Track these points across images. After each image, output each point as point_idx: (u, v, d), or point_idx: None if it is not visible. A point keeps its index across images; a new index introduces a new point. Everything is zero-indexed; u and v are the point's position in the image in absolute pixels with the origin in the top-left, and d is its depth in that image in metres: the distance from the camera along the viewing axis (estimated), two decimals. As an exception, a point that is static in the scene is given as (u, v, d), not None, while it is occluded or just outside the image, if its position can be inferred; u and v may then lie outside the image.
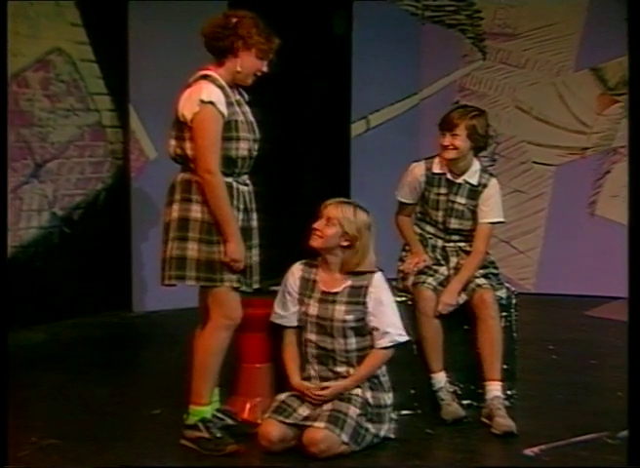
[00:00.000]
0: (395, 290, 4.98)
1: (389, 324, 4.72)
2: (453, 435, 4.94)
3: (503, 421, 4.91)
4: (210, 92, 4.46)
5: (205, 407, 4.63)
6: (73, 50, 7.31)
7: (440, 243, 5.39)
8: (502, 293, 5.33)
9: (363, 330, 4.70)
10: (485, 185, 5.31)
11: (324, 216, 4.70)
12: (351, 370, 4.69)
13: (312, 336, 4.72)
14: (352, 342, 4.69)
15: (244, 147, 4.56)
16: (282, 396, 4.71)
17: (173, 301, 6.78)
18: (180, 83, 4.63)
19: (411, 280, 5.28)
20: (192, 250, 4.49)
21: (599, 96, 8.42)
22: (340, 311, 4.69)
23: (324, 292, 4.74)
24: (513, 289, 5.51)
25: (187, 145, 4.51)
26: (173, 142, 4.58)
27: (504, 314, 5.31)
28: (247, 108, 4.66)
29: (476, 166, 5.34)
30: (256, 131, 4.65)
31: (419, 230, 5.45)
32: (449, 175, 5.32)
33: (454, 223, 5.35)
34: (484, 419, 5.03)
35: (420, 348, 5.18)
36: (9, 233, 6.53)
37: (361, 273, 4.72)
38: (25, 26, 6.91)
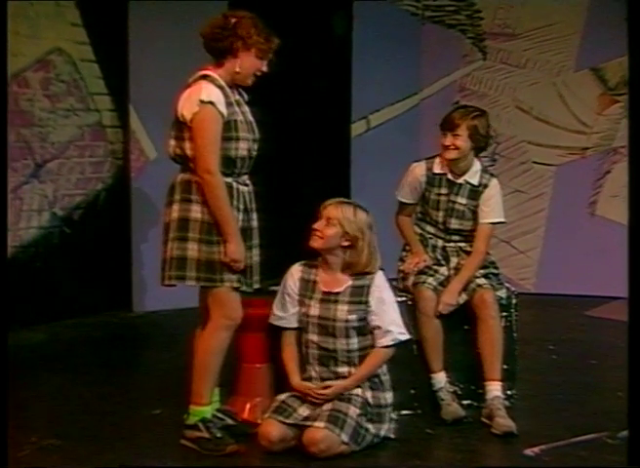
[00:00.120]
0: (395, 290, 4.98)
1: (391, 322, 4.73)
2: (453, 435, 4.94)
3: (503, 421, 4.91)
4: (209, 92, 4.46)
5: (205, 407, 4.63)
6: (73, 50, 7.31)
7: (440, 243, 5.39)
8: (503, 293, 5.33)
9: (365, 329, 4.71)
10: (486, 185, 5.31)
11: (324, 217, 4.70)
12: (353, 371, 4.69)
13: (314, 337, 4.72)
14: (354, 342, 4.70)
15: (243, 147, 4.56)
16: (282, 396, 4.71)
17: (173, 301, 6.78)
18: (180, 83, 4.63)
19: (411, 280, 5.29)
20: (192, 250, 4.49)
21: (599, 96, 8.42)
22: (342, 311, 4.69)
23: (325, 293, 4.74)
24: (513, 289, 5.51)
25: (187, 145, 4.51)
26: (172, 142, 4.58)
27: (504, 314, 5.31)
28: (246, 108, 4.66)
29: (477, 166, 5.34)
30: (255, 131, 4.65)
31: (419, 230, 5.45)
32: (450, 176, 5.32)
33: (454, 224, 5.35)
34: (484, 419, 5.03)
35: (421, 348, 5.18)
36: (9, 233, 6.53)
37: (361, 273, 4.73)
38: (25, 26, 6.91)
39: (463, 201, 5.31)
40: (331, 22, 8.66)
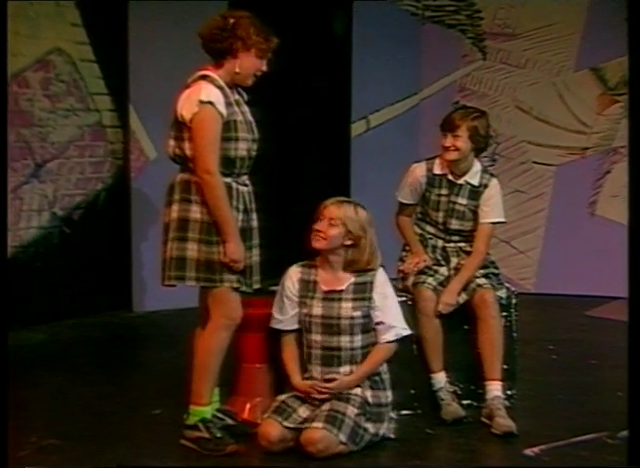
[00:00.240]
0: (395, 290, 4.98)
1: (395, 318, 4.76)
2: (453, 435, 4.94)
3: (503, 421, 4.91)
4: (209, 92, 4.45)
5: (205, 407, 4.63)
6: (73, 50, 7.31)
7: (440, 243, 5.39)
8: (502, 293, 5.33)
9: (368, 326, 4.72)
10: (486, 186, 5.31)
11: (325, 217, 4.70)
12: (355, 370, 4.69)
13: (317, 337, 4.72)
14: (358, 339, 4.70)
15: (243, 147, 4.56)
16: (282, 396, 4.71)
17: (173, 301, 6.78)
18: (180, 83, 4.63)
19: (411, 280, 5.29)
20: (192, 250, 4.49)
21: (599, 96, 8.42)
22: (347, 308, 4.70)
23: (327, 292, 4.74)
24: (513, 289, 5.51)
25: (186, 145, 4.51)
26: (172, 143, 4.58)
27: (504, 314, 5.31)
28: (246, 108, 4.65)
29: (477, 167, 5.34)
30: (255, 131, 4.64)
31: (419, 230, 5.45)
32: (450, 176, 5.32)
33: (454, 224, 5.35)
34: (484, 419, 5.03)
35: (421, 348, 5.18)
36: (9, 233, 6.53)
37: (363, 270, 4.74)
38: (25, 26, 6.91)
39: (464, 201, 5.31)
40: (331, 22, 8.66)
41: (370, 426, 4.65)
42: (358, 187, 8.35)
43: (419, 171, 5.37)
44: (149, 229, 7.18)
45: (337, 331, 4.69)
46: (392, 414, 4.82)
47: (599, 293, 8.11)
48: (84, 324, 7.25)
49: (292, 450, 4.56)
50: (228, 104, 4.51)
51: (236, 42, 4.52)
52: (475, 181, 5.31)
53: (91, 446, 4.68)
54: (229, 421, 4.74)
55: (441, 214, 5.36)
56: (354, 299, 4.72)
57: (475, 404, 5.23)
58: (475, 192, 5.31)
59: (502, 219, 5.38)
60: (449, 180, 5.33)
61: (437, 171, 5.33)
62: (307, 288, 4.78)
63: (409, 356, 5.12)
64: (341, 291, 4.73)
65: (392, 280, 4.95)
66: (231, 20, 4.55)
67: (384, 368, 4.79)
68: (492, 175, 5.41)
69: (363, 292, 4.72)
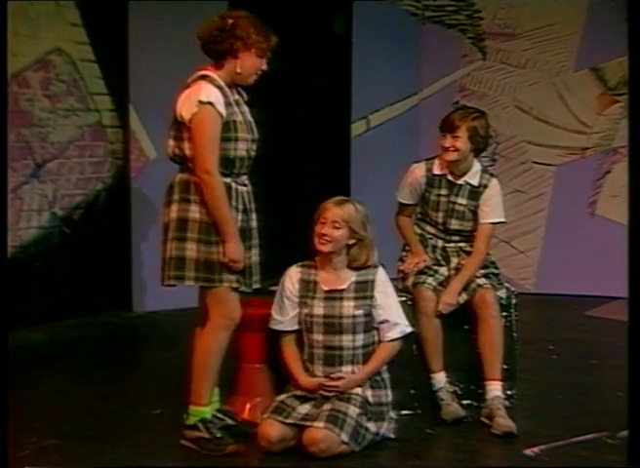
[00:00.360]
0: (395, 289, 4.98)
1: (398, 315, 4.80)
2: (453, 435, 4.94)
3: (503, 421, 4.91)
4: (208, 92, 4.45)
5: (205, 407, 4.63)
6: (73, 50, 7.31)
7: (440, 243, 5.39)
8: (502, 293, 5.33)
9: (370, 325, 4.74)
10: (486, 186, 5.31)
11: (328, 220, 4.69)
12: (356, 370, 4.70)
13: (319, 337, 4.72)
14: (360, 338, 4.71)
15: (242, 148, 4.56)
16: (281, 396, 4.71)
17: (173, 301, 6.78)
18: (179, 83, 4.63)
19: (411, 280, 5.29)
20: (191, 250, 4.49)
21: (599, 96, 8.42)
22: (349, 307, 4.71)
23: (328, 291, 4.74)
24: (513, 289, 5.51)
25: (186, 146, 4.51)
26: (171, 143, 4.58)
27: (504, 314, 5.31)
28: (246, 108, 4.65)
29: (477, 167, 5.34)
30: (254, 131, 4.64)
31: (419, 230, 5.45)
32: (449, 177, 5.32)
33: (454, 224, 5.35)
34: (484, 419, 5.03)
35: (420, 348, 5.18)
36: (9, 233, 6.53)
37: (363, 268, 4.75)
38: (25, 26, 6.91)
39: (464, 201, 5.31)
40: (331, 22, 8.66)
41: (371, 425, 4.66)
42: (358, 187, 8.35)
43: (418, 171, 5.37)
44: (149, 229, 7.18)
45: (338, 331, 4.70)
46: (392, 414, 4.82)
47: (599, 293, 8.11)
48: (84, 324, 7.25)
49: (292, 450, 4.56)
50: (228, 104, 4.51)
51: (236, 42, 4.52)
52: (475, 182, 5.31)
53: (91, 446, 4.69)
54: (229, 421, 4.74)
55: (441, 215, 5.36)
56: (356, 298, 4.72)
57: (475, 404, 5.23)
58: (475, 192, 5.31)
59: (502, 219, 5.38)
60: (448, 181, 5.33)
61: (437, 171, 5.33)
62: (308, 288, 4.78)
63: (409, 356, 5.12)
64: (343, 290, 4.74)
65: (392, 280, 4.96)
66: (230, 21, 4.54)
67: (384, 367, 4.79)
68: (492, 175, 5.41)
69: (364, 291, 4.74)
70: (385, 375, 4.79)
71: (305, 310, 4.76)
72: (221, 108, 4.47)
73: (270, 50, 4.61)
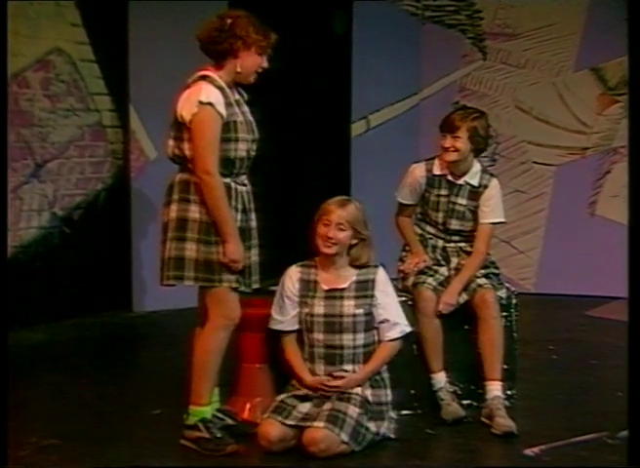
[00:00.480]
0: (395, 290, 4.99)
1: (398, 315, 4.81)
2: (453, 435, 4.94)
3: (503, 421, 4.91)
4: (209, 93, 4.45)
5: (205, 407, 4.63)
6: (73, 50, 7.31)
7: (440, 243, 5.39)
8: (503, 293, 5.33)
9: (370, 324, 4.75)
10: (486, 186, 5.31)
11: (332, 222, 4.69)
12: (357, 369, 4.71)
13: (320, 336, 4.73)
14: (360, 337, 4.72)
15: (242, 148, 4.56)
16: (281, 396, 4.71)
17: (173, 301, 6.78)
18: (179, 83, 4.63)
19: (411, 280, 5.29)
20: (190, 250, 4.49)
21: (599, 96, 8.42)
22: (349, 306, 4.71)
23: (328, 290, 4.75)
24: (513, 289, 5.51)
25: (186, 146, 4.51)
26: (171, 143, 4.58)
27: (504, 314, 5.31)
28: (246, 108, 4.65)
29: (477, 167, 5.34)
30: (255, 131, 4.64)
31: (419, 230, 5.45)
32: (449, 177, 5.32)
33: (454, 224, 5.35)
34: (484, 419, 5.03)
35: (420, 348, 5.18)
36: (9, 233, 6.54)
37: (364, 267, 4.75)
38: (25, 26, 6.91)
39: (464, 202, 5.31)
40: (331, 22, 8.66)
41: (371, 425, 4.66)
42: (358, 187, 8.35)
43: (418, 171, 5.37)
44: (149, 229, 7.18)
45: (339, 330, 4.71)
46: (392, 414, 4.82)
47: (599, 293, 8.10)
48: (84, 324, 7.25)
49: (292, 450, 4.56)
50: (228, 105, 4.51)
51: (236, 42, 4.52)
52: (475, 182, 5.31)
53: (91, 446, 4.69)
54: (229, 421, 4.74)
55: (441, 215, 5.36)
56: (356, 297, 4.73)
57: (475, 404, 5.23)
58: (475, 192, 5.31)
59: (503, 220, 5.38)
60: (448, 181, 5.33)
61: (437, 171, 5.33)
62: (308, 287, 4.78)
63: (409, 356, 5.12)
64: (344, 289, 4.74)
65: (392, 280, 4.96)
66: (229, 21, 4.54)
67: (384, 366, 4.80)
68: (492, 175, 5.41)
69: (365, 290, 4.74)
70: (385, 375, 4.80)
71: (306, 309, 4.76)
72: (222, 109, 4.46)
73: (270, 47, 4.61)
